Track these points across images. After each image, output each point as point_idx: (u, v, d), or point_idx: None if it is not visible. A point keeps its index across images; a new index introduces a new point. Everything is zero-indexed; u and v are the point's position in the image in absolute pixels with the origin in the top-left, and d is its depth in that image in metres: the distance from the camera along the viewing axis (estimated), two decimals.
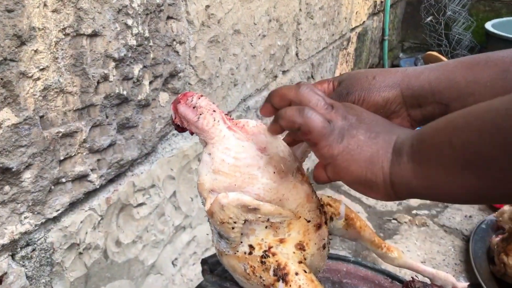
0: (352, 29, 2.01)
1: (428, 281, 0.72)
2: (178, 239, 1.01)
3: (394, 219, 1.63)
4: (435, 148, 0.37)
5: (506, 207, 1.27)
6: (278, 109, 0.46)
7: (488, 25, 2.35)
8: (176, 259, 1.01)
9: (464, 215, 1.64)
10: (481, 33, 2.53)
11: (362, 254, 1.43)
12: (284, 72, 1.40)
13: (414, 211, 1.68)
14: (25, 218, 0.63)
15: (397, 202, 1.73)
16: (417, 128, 0.43)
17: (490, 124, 0.33)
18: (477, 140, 0.34)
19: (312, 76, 1.65)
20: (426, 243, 1.49)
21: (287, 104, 0.46)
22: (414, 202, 1.74)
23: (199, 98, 0.53)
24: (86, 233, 0.75)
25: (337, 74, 1.93)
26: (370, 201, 1.75)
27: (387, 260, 0.69)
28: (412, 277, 0.70)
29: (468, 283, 0.75)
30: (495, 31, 2.23)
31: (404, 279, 0.75)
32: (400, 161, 0.39)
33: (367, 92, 0.53)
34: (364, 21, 2.16)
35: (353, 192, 1.82)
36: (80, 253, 0.74)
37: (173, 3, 0.83)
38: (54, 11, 0.60)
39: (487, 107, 0.35)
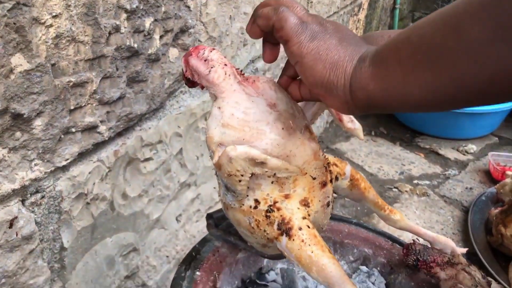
0: None
1: (428, 245, 0.74)
2: (183, 195, 1.02)
3: (395, 187, 1.65)
4: (395, 48, 0.37)
5: (508, 180, 1.28)
6: (263, 30, 0.47)
7: None
8: (180, 215, 1.03)
9: (465, 187, 1.66)
10: None
11: (362, 219, 1.45)
12: None
13: (415, 181, 1.69)
14: (35, 165, 0.64)
15: (398, 171, 1.75)
16: None
17: (446, 13, 0.34)
18: (432, 30, 0.34)
19: None
20: (425, 213, 1.51)
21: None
22: (415, 172, 1.75)
23: (211, 51, 0.53)
24: (94, 184, 0.76)
25: None
26: (372, 169, 1.76)
27: (389, 222, 0.71)
28: (413, 240, 0.72)
29: (467, 249, 0.77)
30: None
31: (404, 242, 0.77)
32: (362, 66, 0.40)
33: None
34: None
35: (355, 160, 1.83)
36: (88, 203, 0.76)
37: None
38: None
39: (449, 5, 0.35)
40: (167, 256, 1.03)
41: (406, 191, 1.63)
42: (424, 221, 1.47)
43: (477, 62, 0.31)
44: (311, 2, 1.43)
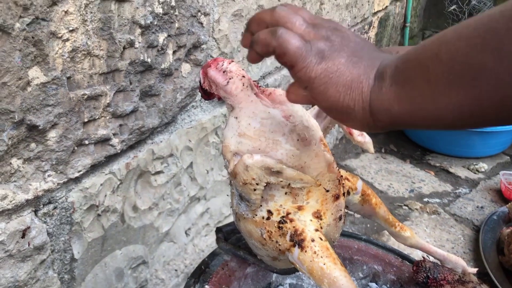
0: (374, 13, 1.99)
1: (439, 263, 0.73)
2: (193, 209, 1.03)
3: (405, 205, 1.63)
4: (421, 65, 0.34)
5: None
6: None
7: None
8: (189, 228, 1.03)
9: (476, 206, 1.64)
10: None
11: (372, 237, 1.44)
12: None
13: (425, 199, 1.68)
14: (48, 176, 0.65)
15: (409, 189, 1.73)
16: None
17: (482, 29, 0.30)
18: (467, 48, 0.31)
19: None
20: (436, 231, 1.50)
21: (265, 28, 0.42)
22: (426, 190, 1.74)
23: (230, 64, 0.54)
24: (105, 196, 0.77)
25: None
26: (382, 186, 1.75)
27: (400, 239, 0.70)
28: (423, 257, 0.71)
29: (477, 269, 0.76)
30: None
31: (414, 260, 0.76)
32: (382, 85, 0.36)
33: None
34: (386, 6, 2.13)
35: (365, 176, 1.82)
36: (99, 215, 0.76)
37: None
38: None
39: (480, 16, 0.32)
40: (176, 270, 1.02)
41: (416, 209, 1.61)
42: (435, 240, 1.46)
43: None
44: None
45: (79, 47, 0.63)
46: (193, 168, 0.99)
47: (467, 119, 0.33)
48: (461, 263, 0.73)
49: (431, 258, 0.73)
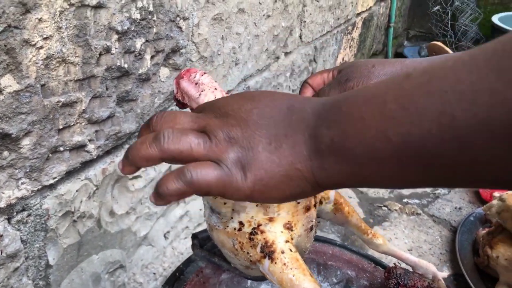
0: (358, 14, 2.00)
1: (410, 269, 0.75)
2: (172, 213, 1.03)
3: (384, 206, 1.65)
4: (365, 144, 0.29)
5: (494, 201, 1.29)
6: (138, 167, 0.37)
7: (495, 18, 2.34)
8: (168, 232, 1.04)
9: (454, 207, 1.67)
10: (488, 26, 2.52)
11: (350, 238, 1.45)
12: (286, 53, 1.40)
13: (405, 200, 1.70)
14: (22, 183, 0.65)
15: (389, 190, 1.76)
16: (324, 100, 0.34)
17: (440, 107, 0.25)
18: (418, 130, 0.26)
19: (314, 60, 1.65)
20: (414, 232, 1.52)
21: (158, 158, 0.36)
22: (406, 191, 1.76)
23: (202, 75, 0.54)
24: (81, 201, 0.76)
25: (339, 59, 1.92)
26: (363, 188, 1.77)
27: (372, 246, 0.72)
28: (394, 264, 0.73)
29: (448, 273, 0.78)
30: (501, 25, 2.22)
31: (387, 265, 0.77)
32: (323, 163, 0.32)
33: (366, 79, 0.54)
34: (370, 7, 2.15)
35: None
36: (74, 221, 0.76)
37: None
38: None
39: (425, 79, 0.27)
40: (154, 273, 1.03)
41: (395, 209, 1.63)
42: (413, 241, 1.48)
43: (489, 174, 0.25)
44: (304, 22, 1.45)
45: (53, 54, 0.63)
46: None
47: (417, 187, 0.32)
48: (432, 269, 0.74)
49: (403, 265, 0.75)
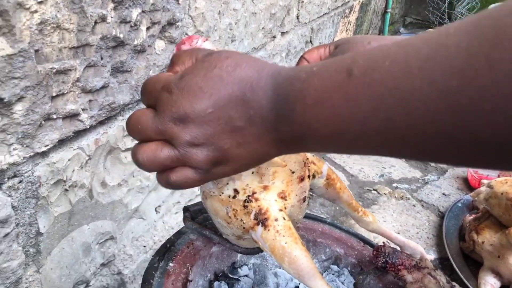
0: None
1: (398, 248, 0.76)
2: None
3: (374, 189, 1.67)
4: (321, 140, 0.32)
5: (482, 188, 1.31)
6: None
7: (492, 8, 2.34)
8: (159, 206, 1.04)
9: (442, 193, 1.69)
10: None
11: (339, 219, 1.47)
12: (283, 33, 1.39)
13: (394, 184, 1.72)
14: (14, 149, 0.64)
15: (379, 174, 1.77)
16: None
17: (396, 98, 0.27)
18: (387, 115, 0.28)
19: (310, 41, 1.64)
20: (402, 216, 1.54)
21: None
22: (396, 175, 1.78)
23: (204, 41, 0.54)
24: (73, 171, 0.76)
25: None
26: (353, 170, 1.78)
27: (362, 224, 0.72)
28: (383, 242, 0.74)
29: (434, 256, 0.79)
30: None
31: (375, 244, 0.79)
32: (289, 147, 0.35)
33: None
34: None
35: (337, 160, 1.85)
36: (66, 190, 0.76)
37: None
38: None
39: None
40: (144, 246, 1.03)
41: (385, 193, 1.65)
42: (401, 224, 1.50)
43: None
44: (302, 2, 1.44)
45: (48, 19, 0.62)
46: None
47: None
48: (419, 249, 0.76)
49: (392, 244, 0.76)
